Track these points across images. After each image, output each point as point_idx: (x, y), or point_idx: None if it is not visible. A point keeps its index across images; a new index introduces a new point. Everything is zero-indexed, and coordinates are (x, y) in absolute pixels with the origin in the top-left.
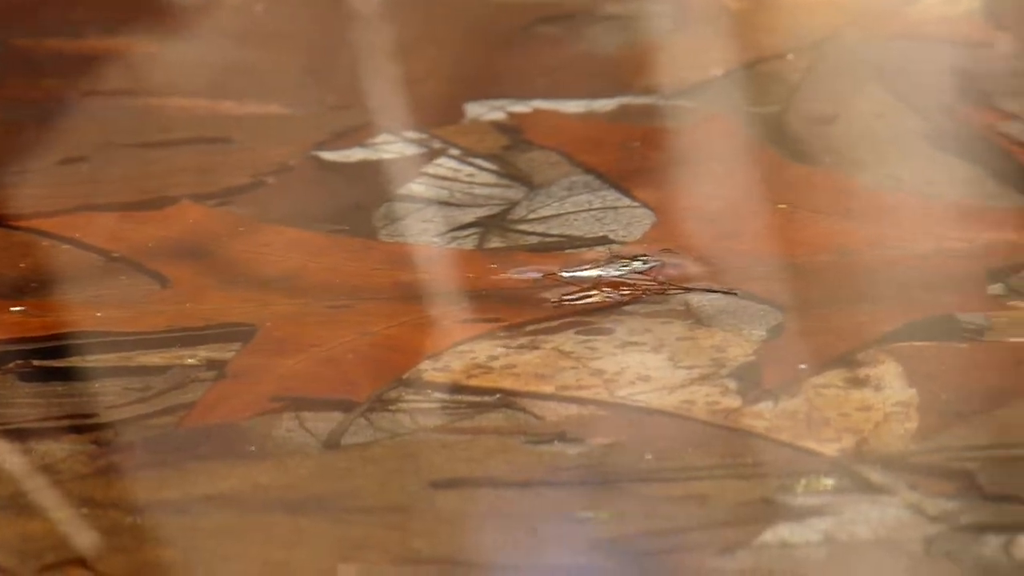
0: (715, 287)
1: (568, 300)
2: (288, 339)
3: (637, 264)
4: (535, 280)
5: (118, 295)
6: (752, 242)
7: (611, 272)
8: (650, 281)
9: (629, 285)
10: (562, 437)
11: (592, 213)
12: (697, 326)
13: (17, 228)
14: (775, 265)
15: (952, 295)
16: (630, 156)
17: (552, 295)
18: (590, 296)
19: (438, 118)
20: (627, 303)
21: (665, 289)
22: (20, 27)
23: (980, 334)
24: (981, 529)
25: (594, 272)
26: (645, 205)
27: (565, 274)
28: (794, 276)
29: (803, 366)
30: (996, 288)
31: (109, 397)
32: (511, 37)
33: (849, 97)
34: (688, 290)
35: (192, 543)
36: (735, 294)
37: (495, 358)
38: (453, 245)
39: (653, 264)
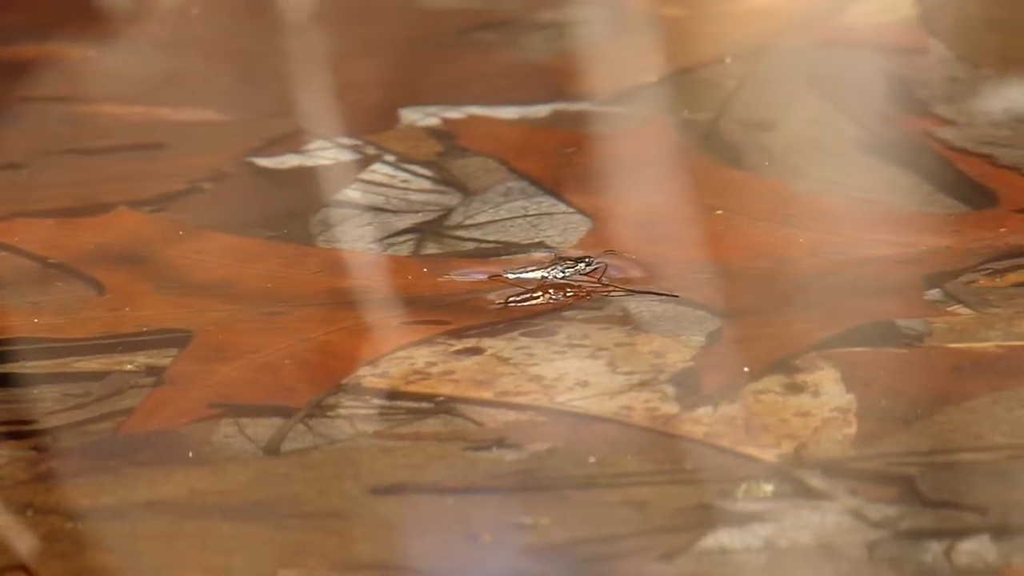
0: (657, 290)
1: (513, 302)
2: (225, 345)
3: (581, 266)
4: (479, 282)
5: (55, 301)
6: (689, 248)
7: (556, 274)
8: (594, 283)
9: (573, 287)
10: (501, 443)
11: (528, 219)
12: (636, 332)
13: None
14: (712, 271)
15: (890, 301)
16: (565, 162)
17: (496, 297)
18: (535, 298)
19: (373, 124)
20: (571, 305)
21: (610, 291)
22: None
23: (918, 340)
24: (922, 535)
25: (538, 274)
26: (581, 211)
27: (510, 276)
28: (732, 282)
29: (746, 369)
30: (934, 294)
31: (47, 403)
32: (446, 44)
33: (785, 104)
34: (632, 292)
35: (131, 549)
36: (676, 297)
37: (433, 364)
38: (389, 251)
39: (597, 266)
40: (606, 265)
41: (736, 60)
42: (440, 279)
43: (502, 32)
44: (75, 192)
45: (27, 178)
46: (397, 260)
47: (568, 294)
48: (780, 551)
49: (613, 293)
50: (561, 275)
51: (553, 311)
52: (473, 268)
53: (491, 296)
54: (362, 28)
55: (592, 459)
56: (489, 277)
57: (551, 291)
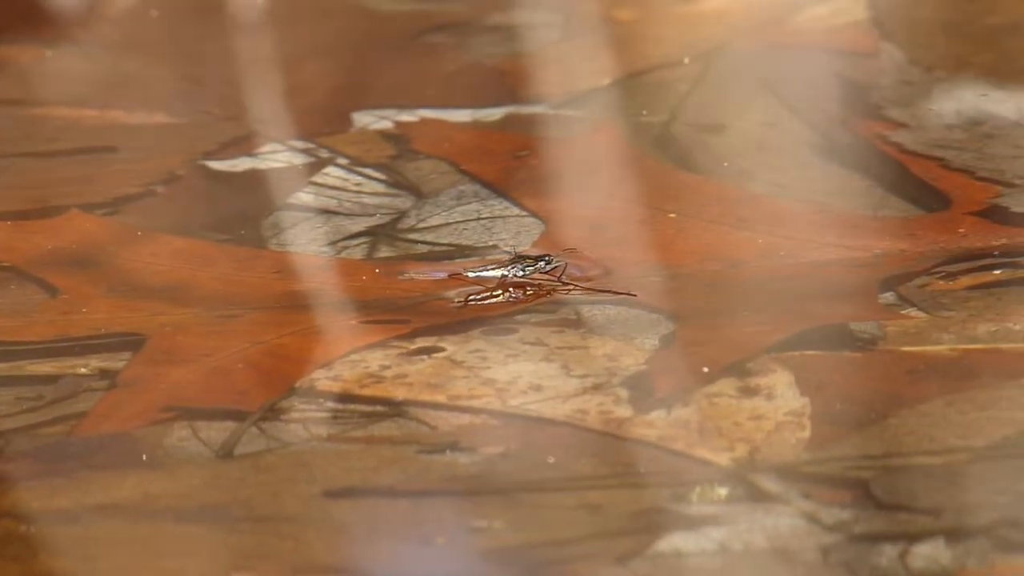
0: (616, 289)
1: (474, 300)
2: (178, 349)
3: (541, 264)
4: (438, 281)
5: (7, 304)
6: (642, 251)
7: (516, 272)
8: (554, 281)
9: (534, 285)
10: (455, 447)
11: (481, 222)
12: (589, 335)
13: None
14: (666, 274)
15: (844, 304)
16: (518, 165)
17: (456, 296)
18: (495, 296)
19: (325, 127)
20: (531, 304)
21: (569, 289)
22: None
23: (872, 343)
24: (876, 539)
25: (499, 272)
26: (534, 214)
27: (471, 274)
28: (685, 285)
29: (705, 369)
30: (888, 297)
31: (0, 407)
32: (398, 46)
33: (738, 107)
34: (591, 291)
35: (85, 552)
36: (634, 296)
37: (387, 367)
38: (343, 255)
39: (557, 264)
40: (566, 264)
41: (690, 63)
42: (400, 278)
43: (454, 35)
44: (27, 195)
45: None
46: (351, 263)
47: (528, 292)
48: (734, 554)
49: (572, 291)
50: (521, 273)
51: (512, 310)
52: (433, 267)
53: (451, 295)
54: (314, 31)
55: (551, 459)
56: (449, 275)
57: (511, 289)
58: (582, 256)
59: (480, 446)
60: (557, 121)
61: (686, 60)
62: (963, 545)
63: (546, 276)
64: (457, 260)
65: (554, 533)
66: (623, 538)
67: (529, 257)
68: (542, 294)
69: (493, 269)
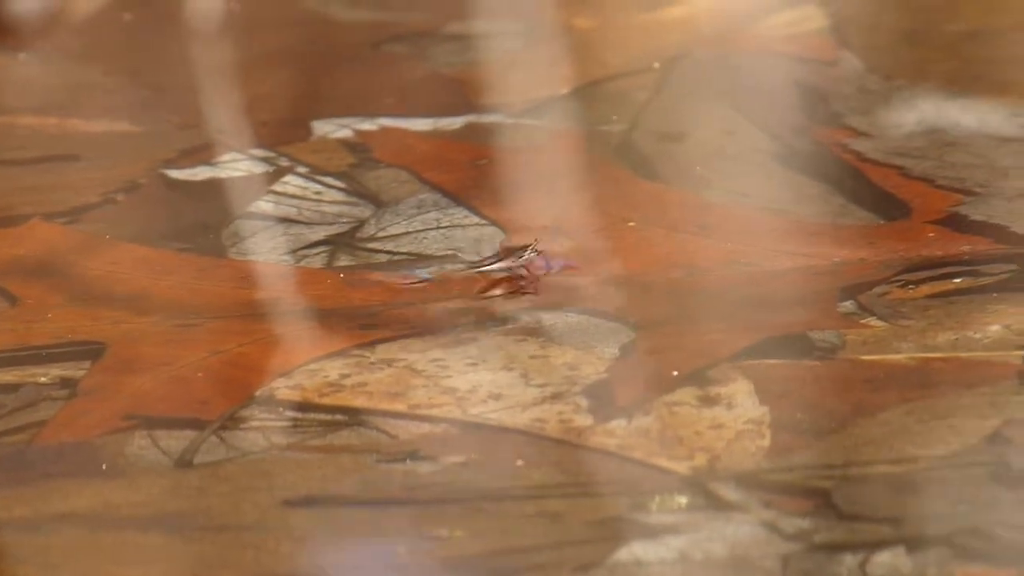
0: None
1: (482, 295)
2: (138, 358)
3: (531, 253)
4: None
5: None
6: (602, 259)
7: (516, 263)
8: (544, 267)
9: (528, 277)
10: (415, 455)
11: (441, 231)
12: (549, 344)
13: None
14: (626, 282)
15: (804, 313)
16: (478, 174)
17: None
18: (498, 289)
19: (285, 136)
20: (528, 293)
21: (560, 272)
22: None
23: (832, 352)
24: (837, 548)
25: (502, 264)
26: (493, 223)
27: (482, 269)
28: (645, 293)
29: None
30: (847, 306)
31: None
32: (358, 56)
33: (698, 115)
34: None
35: (45, 561)
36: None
37: (347, 376)
38: (302, 263)
39: (541, 250)
40: (547, 249)
41: (649, 71)
42: (402, 281)
43: (414, 44)
44: None
45: None
46: (311, 272)
47: (523, 282)
48: (694, 563)
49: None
50: (518, 263)
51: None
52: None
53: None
54: (274, 40)
55: (507, 471)
56: (436, 278)
57: (513, 281)
58: (559, 233)
59: (440, 455)
60: (517, 130)
61: (656, 65)
62: (923, 554)
63: (538, 264)
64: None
65: (514, 542)
66: (583, 547)
67: (517, 248)
68: (535, 283)
69: (495, 262)
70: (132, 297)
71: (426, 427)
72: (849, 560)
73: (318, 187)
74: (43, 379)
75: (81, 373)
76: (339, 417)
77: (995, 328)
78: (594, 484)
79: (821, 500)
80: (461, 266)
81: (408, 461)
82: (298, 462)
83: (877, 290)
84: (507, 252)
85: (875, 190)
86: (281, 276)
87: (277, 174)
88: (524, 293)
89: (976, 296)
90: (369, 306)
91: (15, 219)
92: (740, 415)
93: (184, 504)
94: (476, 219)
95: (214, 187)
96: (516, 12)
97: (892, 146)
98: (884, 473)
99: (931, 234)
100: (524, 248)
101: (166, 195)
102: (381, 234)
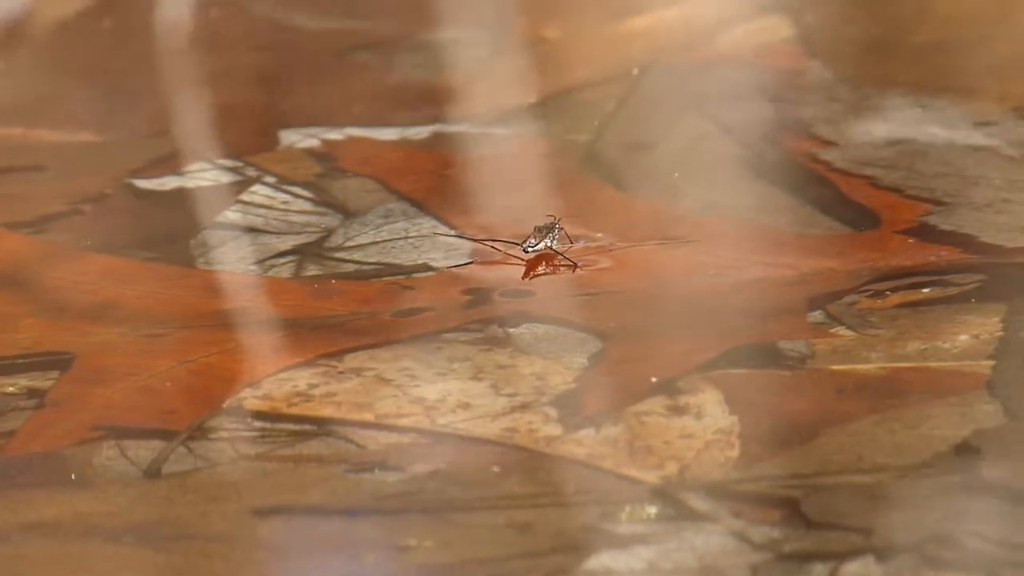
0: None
1: (531, 276)
2: (106, 368)
3: (557, 230)
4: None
5: None
6: (570, 269)
7: (549, 242)
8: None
9: (566, 261)
10: (383, 465)
11: (409, 240)
12: (518, 354)
13: None
14: (594, 292)
15: (773, 323)
16: (446, 183)
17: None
18: (542, 267)
19: (252, 146)
20: (570, 267)
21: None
22: None
23: (801, 362)
24: (806, 557)
25: (544, 244)
26: (462, 233)
27: (529, 250)
28: (614, 303)
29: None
30: (816, 315)
31: None
32: (325, 65)
33: (667, 124)
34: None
35: (14, 571)
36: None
37: (315, 386)
38: (270, 273)
39: (561, 227)
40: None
41: (617, 82)
42: (456, 270)
43: (381, 53)
44: None
45: None
46: (278, 281)
47: (561, 262)
48: (664, 573)
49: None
50: (551, 242)
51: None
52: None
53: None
54: (240, 49)
55: (473, 482)
56: (504, 253)
57: (553, 262)
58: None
59: (409, 465)
60: (484, 139)
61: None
62: (893, 563)
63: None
64: (386, 278)
65: (483, 552)
66: (552, 557)
67: (545, 227)
68: (571, 263)
69: (537, 242)
70: (99, 307)
71: (395, 437)
72: (819, 569)
73: (286, 197)
74: (11, 389)
75: (49, 383)
76: (308, 427)
77: (964, 338)
78: (563, 494)
79: (790, 509)
80: (500, 249)
81: (376, 471)
82: (266, 472)
83: (846, 300)
84: (539, 232)
85: (844, 200)
86: (249, 285)
87: (245, 184)
88: (569, 268)
89: (945, 305)
90: (338, 315)
91: None
92: (709, 425)
93: (153, 514)
94: (444, 229)
95: (181, 197)
96: (483, 21)
97: (861, 156)
98: (853, 482)
99: (900, 244)
100: (551, 226)
101: (133, 205)
102: (349, 244)
